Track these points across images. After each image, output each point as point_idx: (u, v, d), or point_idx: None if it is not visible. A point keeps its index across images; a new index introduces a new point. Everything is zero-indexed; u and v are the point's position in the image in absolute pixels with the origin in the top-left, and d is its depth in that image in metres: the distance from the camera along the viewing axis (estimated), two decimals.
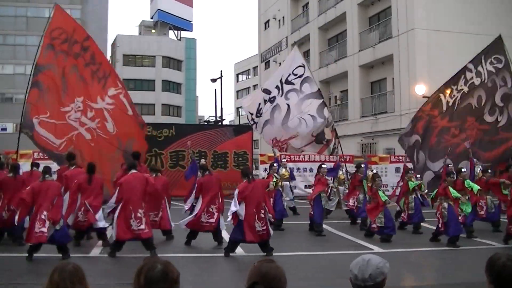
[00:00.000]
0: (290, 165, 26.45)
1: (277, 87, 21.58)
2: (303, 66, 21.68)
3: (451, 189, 15.84)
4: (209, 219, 14.55)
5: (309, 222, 18.16)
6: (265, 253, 13.14)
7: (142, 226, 12.77)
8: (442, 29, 35.50)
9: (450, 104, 21.28)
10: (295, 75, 21.42)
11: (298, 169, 29.45)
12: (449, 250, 14.96)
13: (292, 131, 21.16)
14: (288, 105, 21.14)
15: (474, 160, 20.77)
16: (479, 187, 17.51)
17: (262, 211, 13.31)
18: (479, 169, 20.90)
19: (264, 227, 13.26)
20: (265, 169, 27.61)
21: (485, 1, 37.14)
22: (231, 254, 13.51)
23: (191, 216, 14.74)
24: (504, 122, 20.87)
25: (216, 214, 14.61)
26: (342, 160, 22.14)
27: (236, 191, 13.35)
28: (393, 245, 15.47)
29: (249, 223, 13.18)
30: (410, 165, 21.13)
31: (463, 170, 18.06)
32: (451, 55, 34.84)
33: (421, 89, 33.59)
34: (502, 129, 20.85)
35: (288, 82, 21.42)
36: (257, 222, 13.16)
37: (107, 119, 17.76)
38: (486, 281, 3.93)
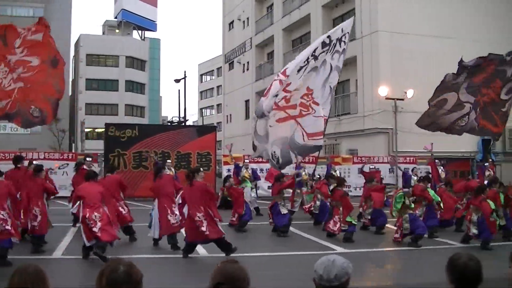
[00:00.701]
0: (253, 165, 26.45)
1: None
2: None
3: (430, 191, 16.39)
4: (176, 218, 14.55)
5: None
6: (225, 254, 13.09)
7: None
8: (405, 32, 35.77)
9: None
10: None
11: (262, 169, 29.50)
12: (411, 250, 15.12)
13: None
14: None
15: (436, 161, 21.15)
16: (439, 199, 17.87)
17: (199, 214, 13.13)
18: (440, 169, 21.25)
19: (205, 228, 13.05)
20: (228, 170, 27.57)
21: (448, 4, 37.48)
22: (193, 255, 13.49)
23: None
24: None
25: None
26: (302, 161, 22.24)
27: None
28: (356, 245, 15.58)
29: (189, 225, 13.29)
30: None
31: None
32: (414, 58, 35.27)
33: (384, 91, 33.83)
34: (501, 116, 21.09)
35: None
36: (197, 223, 13.07)
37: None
38: (447, 281, 3.97)
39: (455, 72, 21.28)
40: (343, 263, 3.81)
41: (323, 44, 18.97)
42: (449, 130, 20.65)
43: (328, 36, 19.24)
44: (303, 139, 18.60)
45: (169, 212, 14.38)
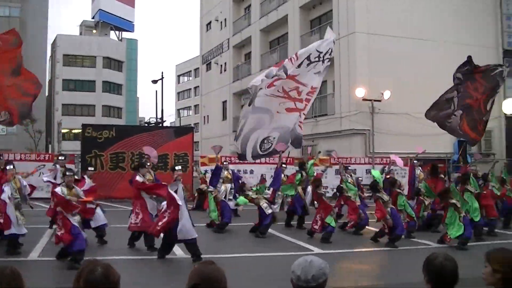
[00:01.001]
0: (231, 167, 26.42)
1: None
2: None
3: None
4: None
5: (253, 224, 18.21)
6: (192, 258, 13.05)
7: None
8: (382, 33, 35.93)
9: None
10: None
11: (239, 170, 29.48)
12: (388, 250, 15.23)
13: None
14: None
15: (415, 162, 21.37)
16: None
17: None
18: (418, 170, 21.41)
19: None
20: (206, 171, 27.52)
21: (425, 6, 37.71)
22: (171, 256, 13.49)
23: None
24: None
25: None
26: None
27: None
28: (333, 246, 15.65)
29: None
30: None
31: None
32: (391, 59, 35.43)
33: (361, 92, 33.97)
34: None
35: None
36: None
37: None
38: (424, 281, 4.01)
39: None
40: (321, 264, 3.82)
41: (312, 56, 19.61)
42: (443, 125, 20.86)
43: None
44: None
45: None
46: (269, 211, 17.69)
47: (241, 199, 18.24)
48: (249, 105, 19.96)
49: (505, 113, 39.75)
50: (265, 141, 19.80)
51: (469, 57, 21.22)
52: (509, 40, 42.34)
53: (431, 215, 19.48)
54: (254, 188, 19.35)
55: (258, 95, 19.35)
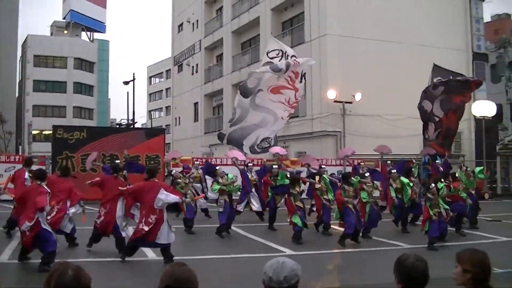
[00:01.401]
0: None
1: None
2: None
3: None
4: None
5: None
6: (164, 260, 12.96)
7: None
8: (353, 36, 36.17)
9: None
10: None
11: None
12: (358, 251, 15.34)
13: None
14: None
15: (389, 162, 21.73)
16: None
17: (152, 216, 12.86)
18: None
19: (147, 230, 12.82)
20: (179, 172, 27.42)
21: (397, 9, 38.03)
22: (142, 258, 13.47)
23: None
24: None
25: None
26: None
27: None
28: (304, 247, 15.69)
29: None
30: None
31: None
32: (362, 61, 35.67)
33: (333, 94, 34.11)
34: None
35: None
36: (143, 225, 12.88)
37: None
38: (394, 281, 4.06)
39: (436, 83, 22.33)
40: (293, 265, 3.84)
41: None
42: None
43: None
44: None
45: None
46: (221, 209, 17.71)
47: (215, 186, 18.21)
48: (246, 96, 20.74)
49: (474, 115, 40.17)
50: (265, 140, 20.46)
51: (435, 65, 21.83)
52: (478, 43, 42.88)
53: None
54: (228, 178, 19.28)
55: (261, 97, 20.31)
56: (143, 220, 12.78)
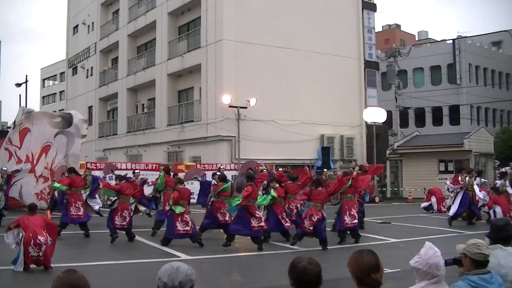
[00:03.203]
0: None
1: None
2: None
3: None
4: None
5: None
6: None
7: None
8: (249, 41, 36.43)
9: None
10: None
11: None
12: (254, 255, 15.48)
13: None
14: None
15: (280, 169, 22.07)
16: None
17: None
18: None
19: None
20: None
21: (292, 16, 38.56)
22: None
23: None
24: None
25: None
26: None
27: None
28: (199, 251, 15.75)
29: None
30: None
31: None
32: (257, 67, 36.04)
33: (227, 99, 34.25)
34: None
35: None
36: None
37: None
38: (289, 284, 4.14)
39: None
40: (187, 270, 3.84)
41: None
42: None
43: None
44: None
45: None
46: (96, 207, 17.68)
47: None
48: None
49: (365, 121, 41.22)
50: None
51: None
52: (370, 52, 44.06)
53: None
54: None
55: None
56: None
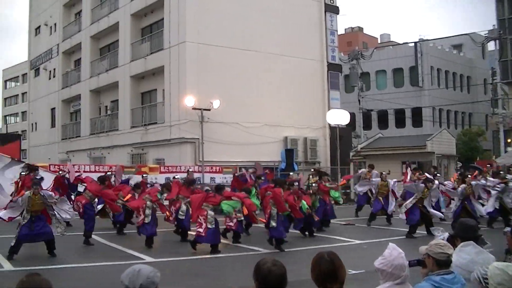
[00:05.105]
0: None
1: None
2: None
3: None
4: None
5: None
6: None
7: None
8: (212, 44, 36.40)
9: None
10: None
11: None
12: (217, 257, 15.50)
13: None
14: None
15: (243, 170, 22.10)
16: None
17: None
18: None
19: None
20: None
21: (255, 19, 38.58)
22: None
23: None
24: None
25: None
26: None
27: None
28: (163, 254, 15.74)
29: None
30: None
31: None
32: (220, 69, 36.06)
33: (191, 101, 34.19)
34: None
35: None
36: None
37: None
38: (254, 285, 4.19)
39: None
40: (150, 273, 3.88)
41: None
42: None
43: None
44: None
45: None
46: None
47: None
48: None
49: (329, 123, 41.40)
50: None
51: None
52: (332, 54, 44.28)
53: None
54: None
55: None
56: None
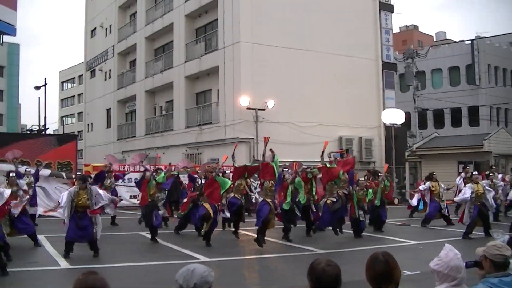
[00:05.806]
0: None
1: None
2: None
3: None
4: None
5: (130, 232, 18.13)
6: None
7: None
8: (266, 43, 36.40)
9: None
10: None
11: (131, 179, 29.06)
12: (272, 257, 15.43)
13: None
14: None
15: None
16: None
17: None
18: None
19: None
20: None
21: (309, 18, 38.48)
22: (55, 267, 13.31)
23: None
24: None
25: None
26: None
27: None
28: (219, 254, 15.72)
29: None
30: None
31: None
32: (275, 69, 36.01)
33: (245, 101, 34.25)
34: None
35: None
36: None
37: None
38: (308, 286, 4.12)
39: None
40: (204, 272, 3.84)
41: None
42: None
43: None
44: None
45: None
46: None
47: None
48: None
49: (384, 123, 41.05)
50: None
51: None
52: (387, 53, 43.90)
53: None
54: None
55: None
56: None
